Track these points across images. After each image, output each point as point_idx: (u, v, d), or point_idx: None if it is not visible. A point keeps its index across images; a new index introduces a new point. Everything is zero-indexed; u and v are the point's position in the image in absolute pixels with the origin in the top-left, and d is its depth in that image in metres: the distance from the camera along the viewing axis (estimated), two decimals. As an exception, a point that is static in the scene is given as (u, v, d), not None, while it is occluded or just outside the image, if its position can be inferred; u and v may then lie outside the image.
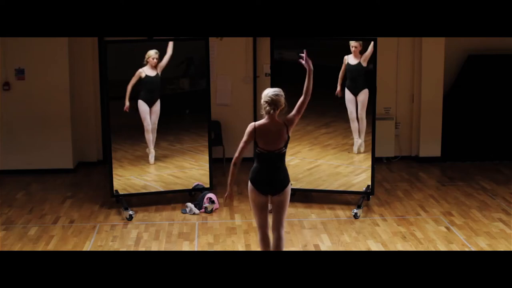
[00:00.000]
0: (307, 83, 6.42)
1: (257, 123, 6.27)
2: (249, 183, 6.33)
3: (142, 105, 8.86)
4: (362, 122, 8.82)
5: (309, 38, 8.75)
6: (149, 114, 8.89)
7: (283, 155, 6.31)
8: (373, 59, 8.60)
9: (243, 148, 6.28)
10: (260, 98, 6.28)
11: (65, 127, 10.42)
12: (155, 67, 8.74)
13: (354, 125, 8.86)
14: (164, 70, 8.86)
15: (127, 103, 8.72)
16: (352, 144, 8.90)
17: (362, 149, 8.87)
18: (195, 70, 9.16)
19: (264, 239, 6.45)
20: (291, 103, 9.05)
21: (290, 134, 6.32)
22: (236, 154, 6.28)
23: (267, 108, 6.22)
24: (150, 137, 8.93)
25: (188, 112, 9.27)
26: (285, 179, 6.33)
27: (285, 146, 6.31)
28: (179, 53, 9.02)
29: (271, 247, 6.45)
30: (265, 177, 6.27)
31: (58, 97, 10.34)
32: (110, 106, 8.75)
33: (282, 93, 6.30)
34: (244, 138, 6.27)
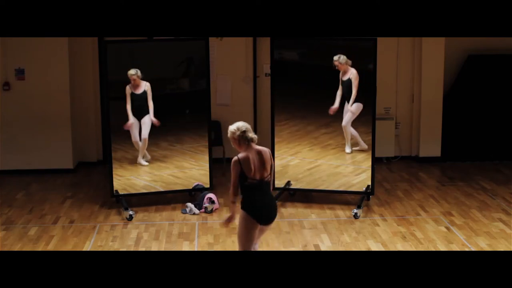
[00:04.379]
0: None
1: (239, 155, 6.06)
2: (247, 215, 6.05)
3: (129, 119, 8.89)
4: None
5: (309, 38, 8.77)
6: (140, 126, 8.87)
7: (270, 183, 6.17)
8: (373, 59, 8.59)
9: (235, 182, 6.06)
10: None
11: (65, 127, 10.41)
12: (138, 85, 8.74)
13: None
14: (165, 70, 8.87)
15: (130, 121, 8.81)
16: (353, 145, 8.93)
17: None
18: (195, 70, 9.16)
19: None
20: (291, 103, 9.15)
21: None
22: (232, 190, 6.07)
23: (250, 135, 6.07)
24: (140, 148, 8.92)
25: (188, 112, 9.27)
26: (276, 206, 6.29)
27: (270, 173, 6.17)
28: (179, 53, 9.03)
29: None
30: (266, 208, 6.12)
31: (58, 97, 10.34)
32: (110, 106, 8.76)
33: None
34: (233, 174, 6.04)
